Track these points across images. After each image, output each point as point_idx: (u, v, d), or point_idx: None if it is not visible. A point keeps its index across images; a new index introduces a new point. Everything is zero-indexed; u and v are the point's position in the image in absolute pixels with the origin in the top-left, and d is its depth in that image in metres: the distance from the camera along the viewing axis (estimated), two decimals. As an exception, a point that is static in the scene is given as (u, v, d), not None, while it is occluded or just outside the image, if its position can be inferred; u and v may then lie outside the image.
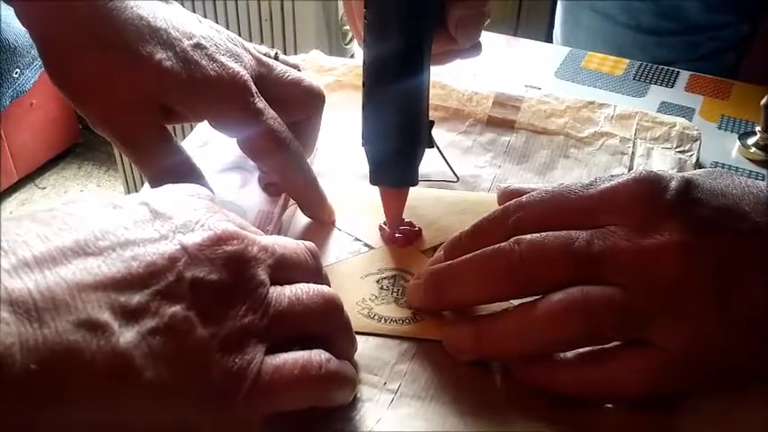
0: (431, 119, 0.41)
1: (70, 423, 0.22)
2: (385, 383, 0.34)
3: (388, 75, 0.39)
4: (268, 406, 0.28)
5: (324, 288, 0.32)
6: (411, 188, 0.42)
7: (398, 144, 0.40)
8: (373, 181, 0.41)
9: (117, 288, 0.24)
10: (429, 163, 0.42)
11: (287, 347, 0.29)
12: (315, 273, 0.33)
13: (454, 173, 0.44)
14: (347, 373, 0.32)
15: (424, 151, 0.41)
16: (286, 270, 0.31)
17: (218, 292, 0.27)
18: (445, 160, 0.44)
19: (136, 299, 0.25)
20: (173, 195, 0.30)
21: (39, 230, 0.24)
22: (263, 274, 0.29)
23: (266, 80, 0.41)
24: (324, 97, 0.45)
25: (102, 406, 0.23)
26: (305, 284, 0.31)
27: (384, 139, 0.40)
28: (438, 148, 0.42)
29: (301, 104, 0.44)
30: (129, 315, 0.24)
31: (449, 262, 0.36)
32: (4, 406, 0.21)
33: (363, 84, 0.40)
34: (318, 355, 0.30)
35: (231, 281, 0.28)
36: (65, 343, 0.22)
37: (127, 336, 0.24)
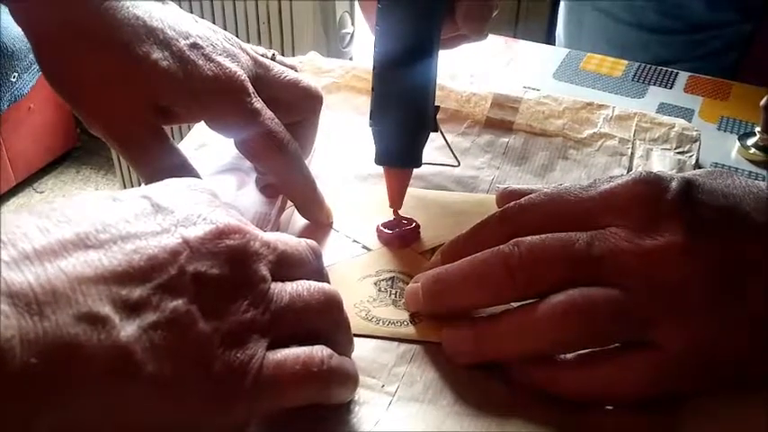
0: (436, 104, 0.41)
1: (70, 418, 0.22)
2: (383, 386, 0.34)
3: (399, 58, 0.39)
4: (269, 402, 0.28)
5: (325, 285, 0.31)
6: (408, 189, 0.42)
7: (405, 126, 0.41)
8: (378, 161, 0.42)
9: (118, 281, 0.24)
10: (430, 147, 0.42)
11: (286, 344, 0.29)
12: (316, 270, 0.33)
13: (456, 157, 0.44)
14: (349, 370, 0.31)
15: (429, 134, 0.41)
16: (287, 267, 0.31)
17: (220, 287, 0.27)
18: (448, 144, 0.44)
19: (137, 292, 0.24)
20: (174, 189, 0.30)
21: (38, 223, 0.24)
22: (264, 270, 0.29)
23: (263, 81, 0.41)
24: (322, 98, 0.45)
25: (102, 400, 0.23)
26: (306, 281, 0.31)
27: (392, 120, 0.40)
28: (442, 132, 0.42)
29: (299, 105, 0.43)
30: (131, 309, 0.24)
31: (447, 266, 0.36)
32: (4, 400, 0.21)
33: (374, 67, 0.40)
34: (320, 351, 0.29)
35: (233, 275, 0.28)
36: (65, 336, 0.22)
37: (128, 330, 0.23)
